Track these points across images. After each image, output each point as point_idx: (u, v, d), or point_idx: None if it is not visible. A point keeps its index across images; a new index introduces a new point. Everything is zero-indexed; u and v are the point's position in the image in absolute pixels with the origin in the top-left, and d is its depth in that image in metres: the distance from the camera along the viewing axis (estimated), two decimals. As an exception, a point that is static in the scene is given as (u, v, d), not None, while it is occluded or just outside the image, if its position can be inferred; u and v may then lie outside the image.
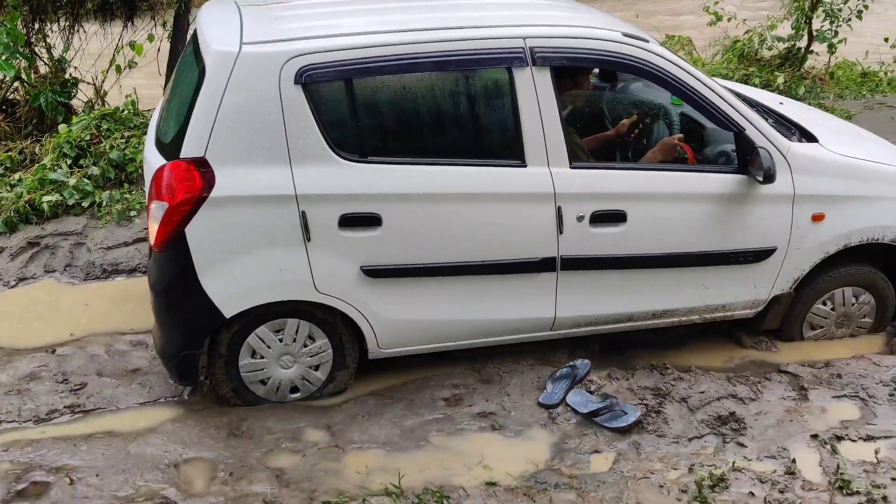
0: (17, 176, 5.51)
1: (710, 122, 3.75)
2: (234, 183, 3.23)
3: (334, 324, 3.54)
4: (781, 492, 3.12)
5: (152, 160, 3.44)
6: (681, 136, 3.84)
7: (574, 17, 3.72)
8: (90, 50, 6.84)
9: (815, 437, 3.41)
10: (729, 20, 8.00)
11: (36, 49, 6.42)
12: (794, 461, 3.28)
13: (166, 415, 3.63)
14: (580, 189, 3.51)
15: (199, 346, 3.45)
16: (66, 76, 6.42)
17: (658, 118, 4.08)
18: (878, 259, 4.03)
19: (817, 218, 3.76)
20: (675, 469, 3.26)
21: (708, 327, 4.07)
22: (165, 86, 5.50)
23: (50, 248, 4.98)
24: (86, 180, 5.36)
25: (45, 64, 6.44)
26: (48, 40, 6.51)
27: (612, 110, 4.27)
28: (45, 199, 5.20)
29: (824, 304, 4.05)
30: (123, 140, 5.71)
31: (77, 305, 4.54)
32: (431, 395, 3.70)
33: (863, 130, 4.65)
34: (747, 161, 3.59)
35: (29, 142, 6.03)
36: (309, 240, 3.32)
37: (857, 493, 3.10)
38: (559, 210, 3.49)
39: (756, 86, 6.91)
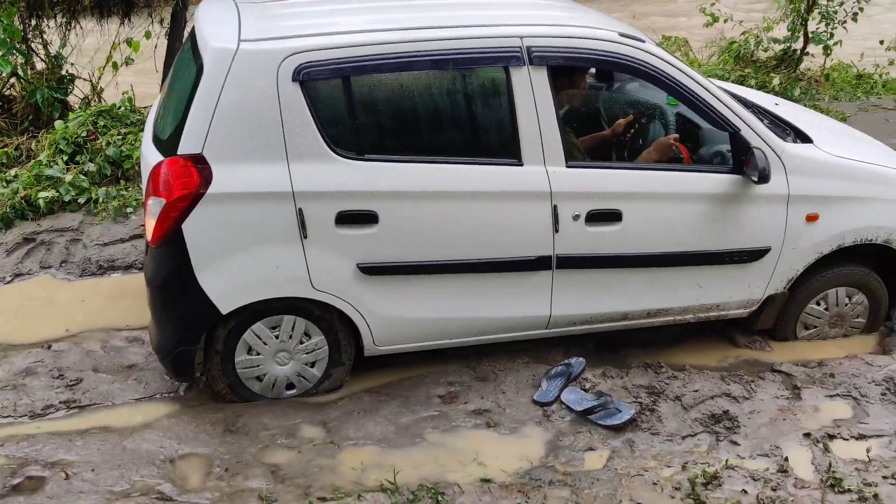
0: (12, 172, 5.51)
1: (705, 123, 3.77)
2: (231, 179, 3.23)
3: (330, 321, 3.55)
4: (774, 489, 3.14)
5: (150, 156, 3.44)
6: (676, 136, 3.86)
7: (571, 17, 3.73)
8: (87, 46, 6.83)
9: (807, 435, 3.44)
10: (725, 21, 8.03)
11: (32, 45, 6.41)
12: (786, 459, 3.30)
13: (162, 411, 3.64)
14: (576, 188, 3.53)
15: (195, 342, 3.46)
16: (63, 72, 6.41)
17: (654, 118, 4.10)
18: (872, 260, 4.05)
19: (811, 218, 3.78)
20: (668, 467, 3.28)
21: (702, 326, 4.10)
22: (162, 83, 5.51)
23: (46, 245, 4.98)
24: (82, 177, 5.36)
25: (42, 60, 6.43)
26: (45, 36, 6.49)
27: (609, 110, 4.29)
28: (41, 195, 5.20)
29: (818, 304, 4.07)
30: (120, 137, 5.70)
31: (73, 301, 4.54)
32: (427, 393, 3.71)
33: (857, 132, 4.68)
34: (742, 161, 3.61)
35: (25, 138, 6.02)
36: (306, 237, 3.33)
37: (849, 490, 3.13)
38: (555, 209, 3.51)
39: (752, 87, 6.93)
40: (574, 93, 4.08)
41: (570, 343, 4.00)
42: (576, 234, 3.55)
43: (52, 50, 6.46)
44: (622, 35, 3.57)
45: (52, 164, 5.43)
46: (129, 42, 6.52)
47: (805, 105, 6.59)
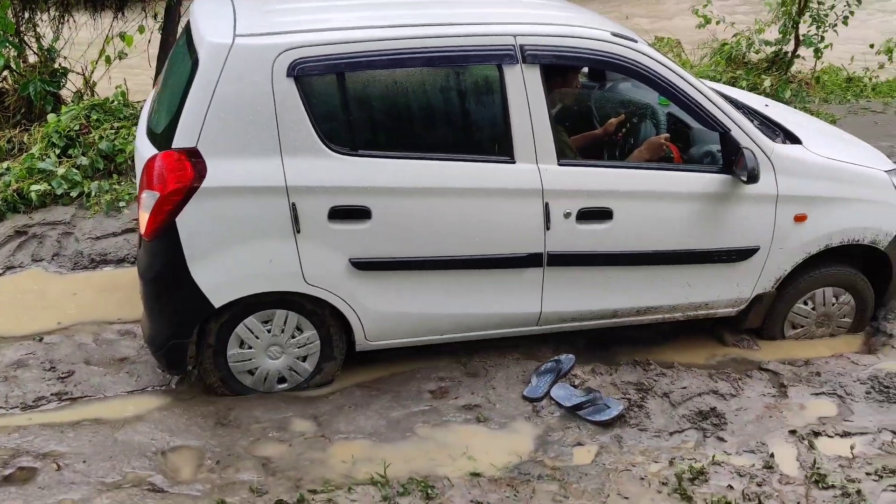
0: (5, 165, 5.49)
1: (696, 123, 3.81)
2: (225, 174, 3.25)
3: (322, 315, 3.57)
4: (759, 485, 3.19)
5: (144, 150, 3.46)
6: (667, 135, 3.90)
7: (564, 17, 3.76)
8: (80, 40, 6.82)
9: (793, 432, 3.48)
10: (717, 23, 8.07)
11: (25, 38, 6.39)
12: (772, 456, 3.34)
13: (154, 403, 3.65)
14: (567, 186, 3.56)
15: (187, 335, 3.48)
16: (56, 66, 6.39)
17: (645, 118, 4.13)
18: (859, 260, 4.10)
19: (800, 218, 3.83)
20: (656, 462, 3.32)
21: (691, 325, 4.14)
22: (156, 77, 5.51)
23: (38, 238, 4.97)
24: (74, 170, 5.35)
25: (35, 53, 6.41)
26: (38, 30, 6.48)
27: (601, 109, 4.32)
28: (34, 188, 5.19)
29: (805, 303, 4.12)
30: (113, 131, 5.70)
31: (65, 294, 4.54)
32: (418, 388, 3.74)
33: (846, 133, 4.73)
34: (732, 161, 3.65)
35: (17, 131, 6.01)
36: (299, 231, 3.35)
37: (833, 486, 3.18)
38: (546, 206, 3.53)
39: (743, 88, 6.98)
40: (566, 91, 4.12)
41: (559, 340, 4.03)
42: (567, 231, 3.59)
43: (45, 43, 6.45)
44: (615, 35, 3.60)
45: (44, 157, 5.42)
46: (122, 36, 6.51)
47: (795, 107, 6.63)
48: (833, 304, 4.14)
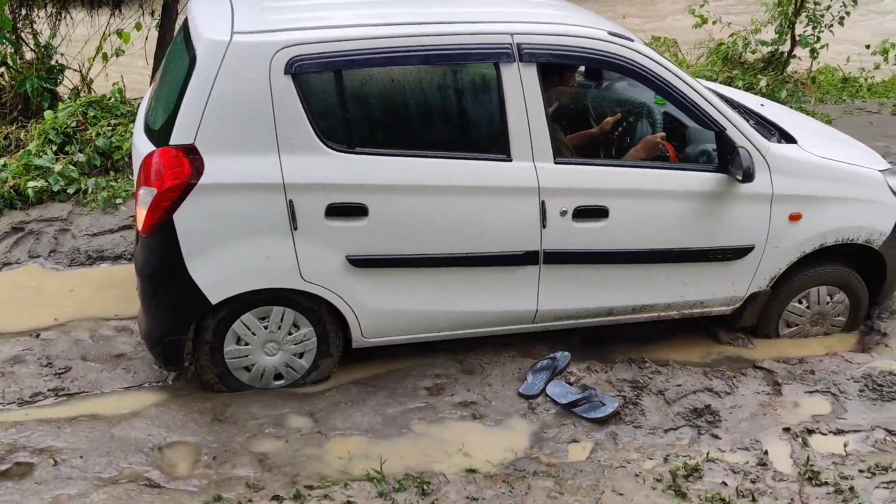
0: (1, 161, 5.50)
1: (692, 122, 3.83)
2: (222, 170, 3.26)
3: (319, 312, 3.58)
4: (753, 482, 3.21)
5: (141, 146, 3.46)
6: (663, 134, 3.92)
7: (561, 15, 3.77)
8: (77, 37, 6.81)
9: (787, 430, 3.50)
10: (714, 23, 8.10)
11: (22, 35, 6.39)
12: (766, 453, 3.36)
13: (150, 399, 3.66)
14: (564, 184, 3.57)
15: (184, 331, 3.48)
16: (53, 62, 6.40)
17: (641, 116, 4.15)
18: (853, 259, 4.12)
19: (794, 217, 3.85)
20: (650, 459, 3.33)
21: (686, 323, 4.16)
22: (153, 74, 5.51)
23: (35, 234, 4.98)
24: (71, 167, 5.36)
25: (32, 50, 6.41)
26: (35, 26, 6.48)
27: (597, 108, 4.33)
28: (30, 184, 5.19)
29: (800, 302, 4.14)
30: (110, 128, 5.71)
31: (61, 291, 4.55)
32: (414, 385, 3.75)
33: (841, 133, 4.75)
34: (727, 160, 3.66)
35: (14, 127, 6.02)
36: (296, 228, 3.36)
37: (826, 483, 3.19)
38: (543, 204, 3.55)
39: (739, 88, 7.00)
40: (563, 90, 4.13)
41: (555, 337, 4.05)
42: (563, 229, 3.60)
43: (42, 40, 6.45)
44: (611, 34, 3.61)
45: (41, 153, 5.42)
46: (119, 33, 6.52)
47: (791, 107, 6.66)
48: (827, 303, 4.16)
